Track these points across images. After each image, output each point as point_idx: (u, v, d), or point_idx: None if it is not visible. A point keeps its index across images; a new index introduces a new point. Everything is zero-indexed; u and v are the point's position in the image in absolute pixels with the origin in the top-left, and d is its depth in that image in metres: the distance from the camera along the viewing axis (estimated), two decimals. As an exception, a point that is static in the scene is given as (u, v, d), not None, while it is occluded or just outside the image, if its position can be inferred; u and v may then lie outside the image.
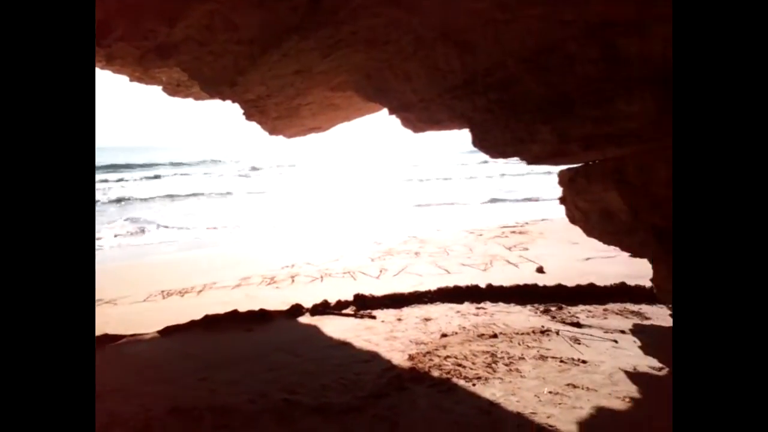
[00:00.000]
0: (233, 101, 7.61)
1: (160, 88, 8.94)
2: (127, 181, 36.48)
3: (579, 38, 3.90)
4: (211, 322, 6.68)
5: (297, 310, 7.06)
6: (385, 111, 7.07)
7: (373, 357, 5.18)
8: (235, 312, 6.90)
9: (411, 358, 5.01)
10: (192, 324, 6.63)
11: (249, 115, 8.07)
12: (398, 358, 5.07)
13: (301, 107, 7.85)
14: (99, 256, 13.17)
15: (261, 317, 6.82)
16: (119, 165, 48.02)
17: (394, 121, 7.12)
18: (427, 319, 6.29)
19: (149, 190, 30.31)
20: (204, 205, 24.89)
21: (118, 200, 26.43)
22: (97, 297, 8.47)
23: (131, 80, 8.91)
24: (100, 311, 7.79)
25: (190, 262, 11.65)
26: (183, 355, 5.63)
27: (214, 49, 5.69)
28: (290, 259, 10.91)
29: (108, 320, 7.10)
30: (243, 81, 6.38)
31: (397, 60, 5.62)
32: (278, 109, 7.81)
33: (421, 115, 6.38)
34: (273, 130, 9.06)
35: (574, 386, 4.05)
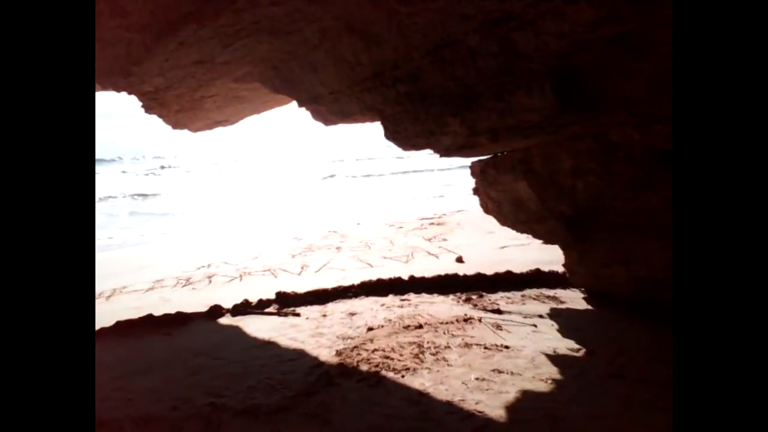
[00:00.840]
0: (129, 93, 7.17)
1: None
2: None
3: (479, 32, 4.03)
4: (124, 328, 6.29)
5: (217, 311, 6.79)
6: (295, 104, 6.95)
7: (299, 355, 5.10)
8: (150, 316, 6.53)
9: (338, 353, 4.99)
10: (103, 331, 6.20)
11: (148, 108, 7.63)
12: (326, 354, 5.03)
13: (204, 99, 7.54)
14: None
15: (178, 320, 6.50)
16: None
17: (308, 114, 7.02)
18: (352, 314, 6.28)
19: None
20: (111, 205, 23.34)
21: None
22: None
23: None
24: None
25: (96, 265, 10.87)
26: (96, 364, 5.24)
27: (104, 36, 5.34)
28: (206, 258, 10.50)
29: None
30: (138, 71, 6.04)
31: (302, 51, 5.52)
32: (180, 102, 7.46)
33: (331, 107, 6.34)
34: (176, 124, 8.64)
35: (499, 371, 4.21)
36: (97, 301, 7.99)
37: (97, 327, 6.27)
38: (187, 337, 5.90)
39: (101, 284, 8.72)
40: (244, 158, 51.81)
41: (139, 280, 9.03)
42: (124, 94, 7.20)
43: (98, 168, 41.62)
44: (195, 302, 7.35)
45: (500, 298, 6.47)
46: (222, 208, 20.91)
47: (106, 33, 5.30)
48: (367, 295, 7.09)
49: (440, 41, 4.44)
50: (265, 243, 12.01)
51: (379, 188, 25.86)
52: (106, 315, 6.90)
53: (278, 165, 43.25)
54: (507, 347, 4.78)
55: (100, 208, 21.75)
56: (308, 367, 4.74)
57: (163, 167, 44.63)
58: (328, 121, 6.89)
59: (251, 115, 9.09)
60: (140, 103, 7.61)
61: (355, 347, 5.10)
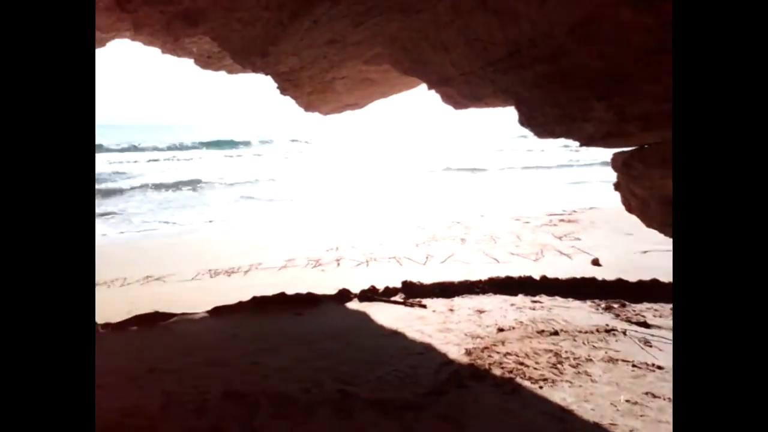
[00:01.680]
0: (266, 74, 7.40)
1: (192, 61, 8.85)
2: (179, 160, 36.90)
3: (632, 3, 3.49)
4: (259, 303, 6.62)
5: (345, 295, 6.92)
6: (423, 86, 6.75)
7: (427, 349, 4.99)
8: (283, 294, 6.81)
9: (468, 353, 4.80)
10: (240, 305, 6.58)
11: (283, 89, 7.87)
12: (454, 352, 4.87)
13: (335, 81, 7.61)
14: (147, 233, 13.43)
15: (309, 301, 6.71)
16: (188, 145, 48.43)
17: (434, 98, 6.81)
18: (480, 311, 6.05)
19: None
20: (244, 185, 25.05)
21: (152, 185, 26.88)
22: (146, 274, 8.56)
23: (163, 52, 8.83)
24: (149, 289, 7.86)
25: (233, 241, 11.68)
26: (233, 336, 5.56)
27: (243, 16, 5.50)
28: (334, 241, 10.78)
29: (158, 298, 7.12)
30: (275, 51, 6.16)
31: (433, 30, 5.27)
32: (312, 83, 7.59)
33: (461, 89, 6.02)
34: (308, 106, 8.86)
35: (654, 395, 3.75)
36: (234, 275, 8.55)
37: (236, 300, 6.69)
38: (317, 319, 6.06)
39: (239, 260, 9.33)
40: (366, 143, 52.92)
41: (274, 257, 9.51)
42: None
43: (230, 151, 44.93)
44: (324, 284, 7.55)
45: (646, 310, 5.85)
46: (347, 191, 21.54)
47: (245, 13, 5.49)
48: (495, 292, 6.80)
49: (585, 15, 3.96)
50: (389, 230, 12.09)
51: (504, 180, 25.05)
52: (243, 289, 7.34)
53: (398, 152, 43.69)
54: (660, 367, 4.27)
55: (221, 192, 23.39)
56: (437, 363, 4.62)
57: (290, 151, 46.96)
58: (458, 104, 6.63)
59: (380, 98, 9.09)
60: (275, 84, 7.92)
61: (486, 348, 4.88)
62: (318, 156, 41.40)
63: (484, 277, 7.32)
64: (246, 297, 6.79)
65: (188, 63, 8.83)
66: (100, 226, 13.95)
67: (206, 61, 8.72)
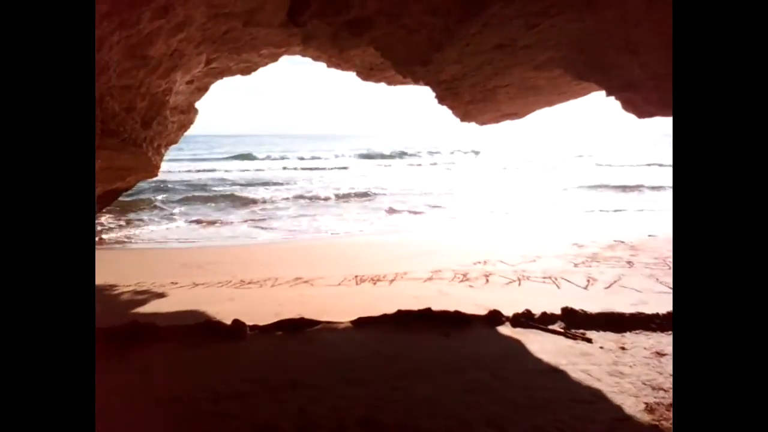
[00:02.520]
0: (425, 83, 7.19)
1: (354, 74, 8.93)
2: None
3: None
4: (404, 318, 6.29)
5: (496, 317, 6.32)
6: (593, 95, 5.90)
7: (596, 397, 4.23)
8: (429, 311, 6.42)
9: (650, 409, 3.95)
10: (384, 318, 6.31)
11: (441, 99, 7.52)
12: (631, 405, 4.05)
13: (498, 90, 7.04)
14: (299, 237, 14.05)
15: (457, 320, 6.23)
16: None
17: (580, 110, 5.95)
18: (660, 354, 5.07)
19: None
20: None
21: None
22: (296, 275, 8.78)
23: (329, 66, 9.00)
24: (298, 291, 8.00)
25: (381, 245, 11.66)
26: (375, 353, 5.29)
27: (407, 22, 5.28)
28: (482, 254, 10.22)
29: (306, 302, 7.18)
30: (438, 59, 5.84)
31: (620, 29, 4.54)
32: (473, 92, 7.12)
33: (650, 96, 5.17)
34: (465, 116, 8.40)
35: None
36: (380, 283, 8.39)
37: (379, 311, 6.45)
38: (466, 343, 5.56)
39: (386, 267, 9.19)
40: (526, 154, 51.22)
41: (419, 268, 9.22)
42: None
43: (377, 160, 46.01)
44: (472, 301, 7.05)
45: None
46: (495, 201, 20.73)
47: (410, 19, 5.24)
48: (678, 331, 5.72)
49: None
50: (542, 245, 11.18)
51: (661, 198, 22.29)
52: (387, 299, 7.12)
53: (553, 163, 41.52)
54: None
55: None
56: (610, 418, 3.85)
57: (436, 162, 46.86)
58: (642, 112, 5.76)
59: (542, 107, 8.34)
60: (433, 94, 7.62)
61: (671, 405, 3.99)
62: (476, 166, 40.93)
63: (661, 310, 6.24)
64: (391, 309, 6.53)
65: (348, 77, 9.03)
66: (258, 231, 14.95)
67: (368, 73, 8.75)
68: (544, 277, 8.34)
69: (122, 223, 15.76)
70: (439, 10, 4.96)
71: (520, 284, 7.99)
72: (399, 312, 6.44)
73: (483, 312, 6.49)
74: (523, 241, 11.95)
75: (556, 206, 19.69)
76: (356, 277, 8.67)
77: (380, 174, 35.30)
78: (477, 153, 53.12)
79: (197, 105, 9.76)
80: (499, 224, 15.65)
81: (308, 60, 8.83)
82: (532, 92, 6.98)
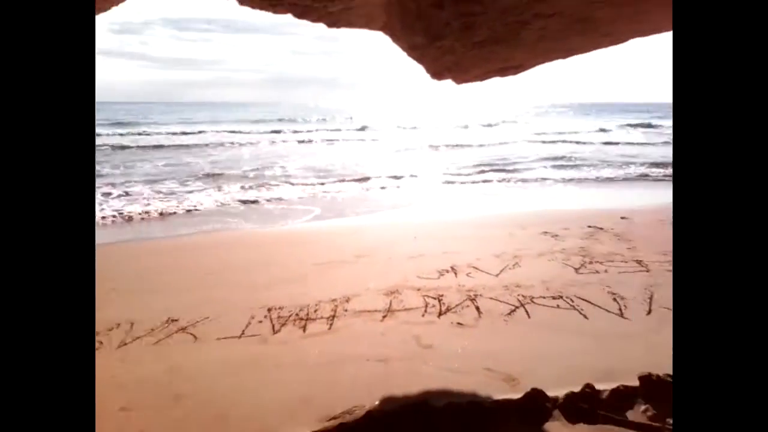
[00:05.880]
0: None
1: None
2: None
3: None
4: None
5: (537, 403, 3.76)
6: None
7: None
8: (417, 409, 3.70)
9: None
10: None
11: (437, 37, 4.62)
12: None
13: (533, 23, 4.32)
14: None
15: (468, 418, 3.58)
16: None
17: None
18: None
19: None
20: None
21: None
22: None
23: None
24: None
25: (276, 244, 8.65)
26: None
27: None
28: (443, 256, 7.59)
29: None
30: None
31: None
32: (494, 26, 4.32)
33: None
34: (453, 67, 5.58)
35: None
36: (312, 327, 5.52)
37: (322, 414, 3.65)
38: None
39: (313, 284, 6.26)
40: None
41: (359, 284, 6.40)
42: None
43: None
44: (477, 361, 4.45)
45: None
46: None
47: None
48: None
49: None
50: (503, 237, 8.84)
51: None
52: (332, 370, 4.30)
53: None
54: None
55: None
56: None
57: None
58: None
59: (559, 57, 5.72)
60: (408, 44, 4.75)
61: None
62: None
63: None
64: (340, 398, 3.76)
65: None
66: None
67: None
68: (555, 297, 5.88)
69: None
70: None
71: (529, 316, 5.46)
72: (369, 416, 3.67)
73: (504, 385, 3.97)
74: (475, 229, 9.55)
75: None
76: (270, 313, 5.65)
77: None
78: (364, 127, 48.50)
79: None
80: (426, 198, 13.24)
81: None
82: (577, 29, 4.31)
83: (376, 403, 3.89)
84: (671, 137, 34.52)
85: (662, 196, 13.76)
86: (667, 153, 25.71)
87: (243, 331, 5.23)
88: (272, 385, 4.19)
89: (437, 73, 5.64)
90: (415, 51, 5.23)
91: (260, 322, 5.45)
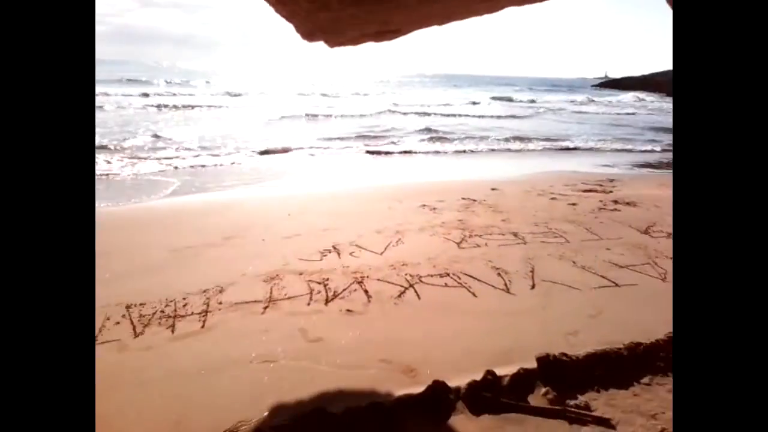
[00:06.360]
0: None
1: None
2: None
3: None
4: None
5: (439, 395, 3.52)
6: None
7: None
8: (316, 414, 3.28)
9: None
10: None
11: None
12: None
13: None
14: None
15: (372, 417, 3.26)
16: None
17: None
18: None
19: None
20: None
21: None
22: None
23: None
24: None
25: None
26: None
27: None
28: (319, 232, 7.13)
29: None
30: None
31: None
32: None
33: None
34: (327, 29, 5.04)
35: None
36: (182, 323, 4.78)
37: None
38: None
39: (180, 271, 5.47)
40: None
41: (235, 268, 5.74)
42: None
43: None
44: (370, 353, 4.11)
45: None
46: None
47: None
48: None
49: None
50: (378, 210, 8.62)
51: None
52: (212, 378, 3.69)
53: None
54: None
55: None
56: None
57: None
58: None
59: (437, 23, 5.43)
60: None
61: None
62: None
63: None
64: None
65: None
66: None
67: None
68: (441, 275, 5.71)
69: None
70: None
71: (419, 297, 5.23)
72: None
73: (403, 378, 3.70)
74: (352, 202, 9.20)
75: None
76: (129, 312, 4.80)
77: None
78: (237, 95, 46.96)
79: None
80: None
81: None
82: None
83: (265, 414, 3.37)
84: (528, 112, 37.44)
85: (526, 167, 14.54)
86: (522, 126, 27.49)
87: (95, 336, 4.34)
88: (134, 410, 3.45)
89: (309, 34, 5.06)
90: (284, 6, 4.56)
91: (117, 323, 4.60)
